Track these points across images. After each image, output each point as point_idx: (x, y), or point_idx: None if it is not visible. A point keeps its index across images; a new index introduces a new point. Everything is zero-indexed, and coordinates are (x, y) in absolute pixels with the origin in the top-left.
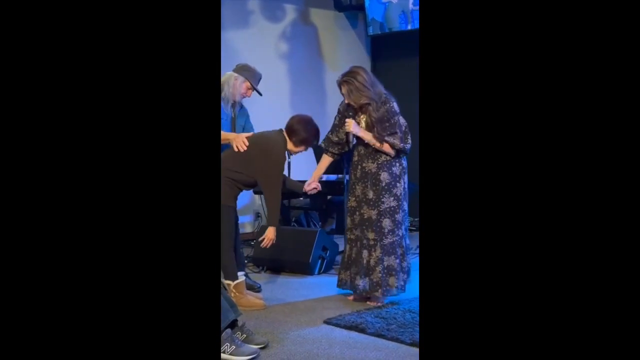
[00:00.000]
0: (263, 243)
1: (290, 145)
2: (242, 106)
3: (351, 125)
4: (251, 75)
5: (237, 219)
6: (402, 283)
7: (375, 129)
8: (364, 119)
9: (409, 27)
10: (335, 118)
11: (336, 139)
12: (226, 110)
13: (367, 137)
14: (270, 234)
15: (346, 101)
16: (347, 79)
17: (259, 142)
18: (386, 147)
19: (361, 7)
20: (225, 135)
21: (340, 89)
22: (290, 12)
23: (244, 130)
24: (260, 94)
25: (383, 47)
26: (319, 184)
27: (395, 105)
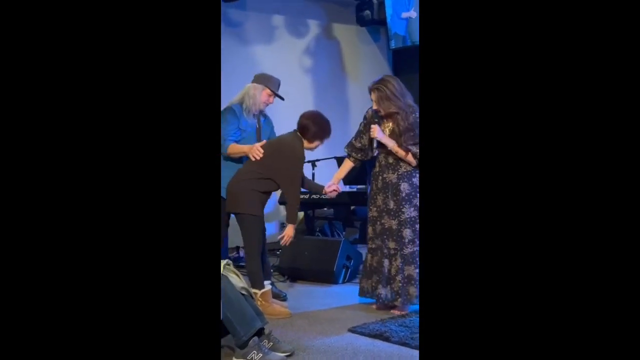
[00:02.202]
0: (282, 241)
1: (305, 143)
2: (266, 116)
3: (376, 131)
4: (268, 81)
5: (264, 229)
6: (417, 293)
7: (402, 138)
8: (389, 128)
9: None
10: (360, 124)
11: (359, 144)
12: (249, 119)
13: (390, 144)
14: (289, 231)
15: (374, 107)
16: (379, 86)
17: (276, 145)
18: (409, 157)
19: (383, 22)
20: (239, 148)
21: (370, 95)
22: (314, 28)
23: (268, 138)
24: (282, 98)
25: (404, 60)
26: (339, 187)
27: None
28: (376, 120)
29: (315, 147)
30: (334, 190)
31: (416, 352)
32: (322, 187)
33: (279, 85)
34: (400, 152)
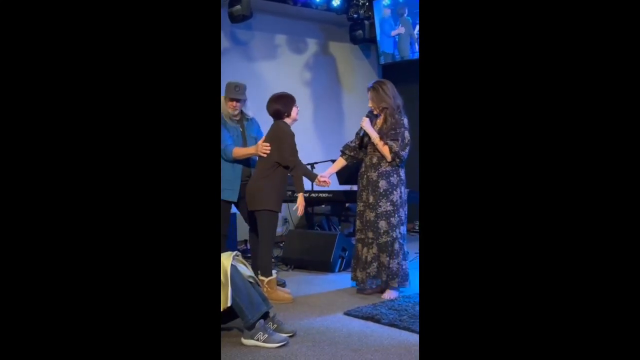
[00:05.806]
0: (298, 211)
1: (287, 120)
2: (248, 119)
3: (365, 122)
4: (226, 90)
5: None
6: (386, 279)
7: (386, 131)
8: (378, 124)
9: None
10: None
11: (353, 144)
12: (232, 124)
13: (373, 135)
14: (301, 200)
15: (369, 105)
16: (375, 85)
17: (271, 135)
18: (385, 149)
19: (373, 40)
20: (246, 150)
21: (368, 94)
22: (312, 45)
23: (256, 140)
24: (240, 100)
25: (392, 74)
26: (329, 180)
27: (405, 121)
28: (369, 116)
29: (297, 114)
30: (325, 181)
31: (404, 332)
32: (316, 175)
33: (235, 87)
34: (380, 144)
